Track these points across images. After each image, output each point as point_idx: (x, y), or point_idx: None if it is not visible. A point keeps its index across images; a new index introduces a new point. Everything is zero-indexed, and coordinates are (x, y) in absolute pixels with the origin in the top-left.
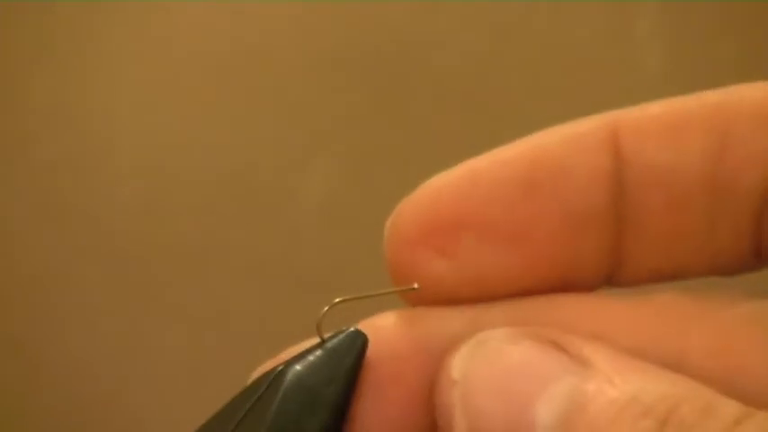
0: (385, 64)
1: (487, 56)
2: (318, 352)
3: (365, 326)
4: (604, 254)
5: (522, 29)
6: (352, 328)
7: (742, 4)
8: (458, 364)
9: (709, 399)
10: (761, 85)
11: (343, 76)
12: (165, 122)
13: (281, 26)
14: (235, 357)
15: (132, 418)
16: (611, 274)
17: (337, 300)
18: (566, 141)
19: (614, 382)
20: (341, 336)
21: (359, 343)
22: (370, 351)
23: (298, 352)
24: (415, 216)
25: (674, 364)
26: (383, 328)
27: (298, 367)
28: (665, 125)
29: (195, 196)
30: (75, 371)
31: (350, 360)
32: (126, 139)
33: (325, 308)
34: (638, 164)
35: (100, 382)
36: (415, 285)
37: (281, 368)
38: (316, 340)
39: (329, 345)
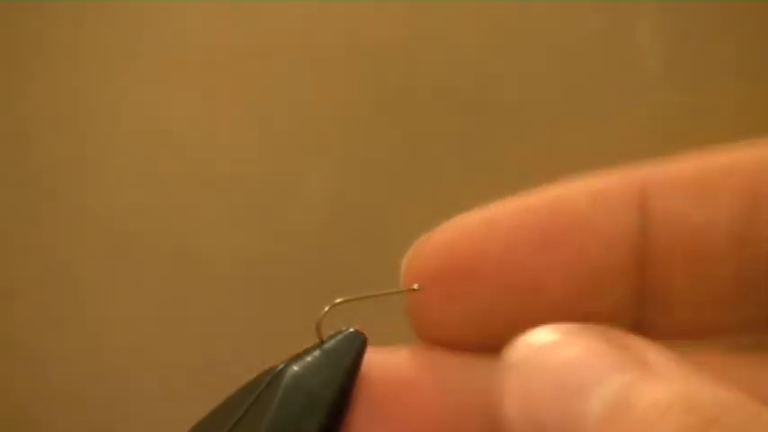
0: (387, 64)
1: (487, 56)
2: (317, 352)
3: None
4: (624, 310)
5: (523, 29)
6: (351, 329)
7: (742, 4)
8: (517, 350)
9: (758, 409)
10: None
11: (344, 76)
12: (164, 122)
13: (281, 26)
14: (235, 357)
15: (131, 418)
16: (633, 330)
17: (338, 300)
18: (592, 195)
19: (669, 382)
20: (339, 336)
21: (357, 343)
22: (378, 372)
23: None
24: (429, 260)
25: None
26: (399, 358)
27: (296, 368)
28: (695, 183)
29: (195, 196)
30: (74, 370)
31: (348, 361)
32: (125, 139)
33: (326, 308)
34: (665, 221)
35: (99, 382)
36: (416, 286)
37: (280, 368)
38: (316, 341)
39: (327, 345)
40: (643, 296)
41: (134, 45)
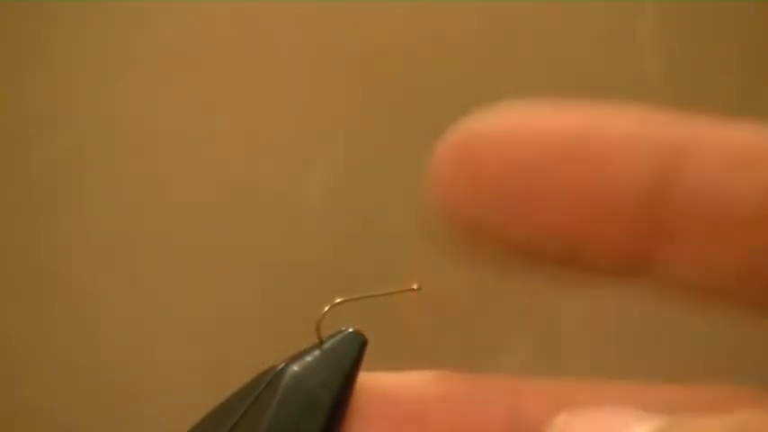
0: (387, 64)
1: (487, 55)
2: (316, 352)
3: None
4: (632, 250)
5: (522, 29)
6: (350, 329)
7: (742, 4)
8: (561, 420)
9: None
10: None
11: (344, 76)
12: (164, 122)
13: (281, 26)
14: (234, 357)
15: (131, 418)
16: (636, 270)
17: (338, 300)
18: (629, 123)
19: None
20: (339, 336)
21: (357, 344)
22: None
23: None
24: (459, 141)
25: None
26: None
27: (295, 368)
28: (738, 151)
29: (195, 196)
30: (73, 370)
31: (348, 361)
32: (125, 139)
33: (326, 307)
34: (693, 178)
35: (98, 382)
36: (415, 286)
37: (279, 368)
38: (316, 341)
39: (327, 345)
40: (655, 242)
41: (134, 45)
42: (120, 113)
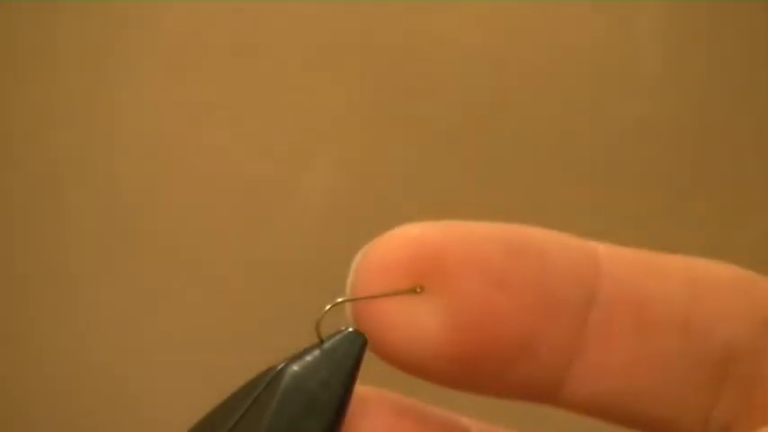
0: (387, 64)
1: (487, 55)
2: (316, 352)
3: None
4: (564, 349)
5: (523, 29)
6: (350, 329)
7: (742, 4)
8: None
9: None
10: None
11: (344, 76)
12: (164, 123)
13: (281, 26)
14: (234, 357)
15: (130, 418)
16: (560, 381)
17: (339, 300)
18: (551, 235)
19: None
20: (339, 336)
21: (357, 344)
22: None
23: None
24: (395, 256)
25: None
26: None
27: (295, 367)
28: (645, 262)
29: (195, 196)
30: (73, 370)
31: (348, 361)
32: (125, 139)
33: (327, 306)
34: (615, 284)
35: (97, 382)
36: (418, 289)
37: (279, 368)
38: (316, 341)
39: (327, 345)
40: (578, 349)
41: (134, 45)
42: (120, 113)
